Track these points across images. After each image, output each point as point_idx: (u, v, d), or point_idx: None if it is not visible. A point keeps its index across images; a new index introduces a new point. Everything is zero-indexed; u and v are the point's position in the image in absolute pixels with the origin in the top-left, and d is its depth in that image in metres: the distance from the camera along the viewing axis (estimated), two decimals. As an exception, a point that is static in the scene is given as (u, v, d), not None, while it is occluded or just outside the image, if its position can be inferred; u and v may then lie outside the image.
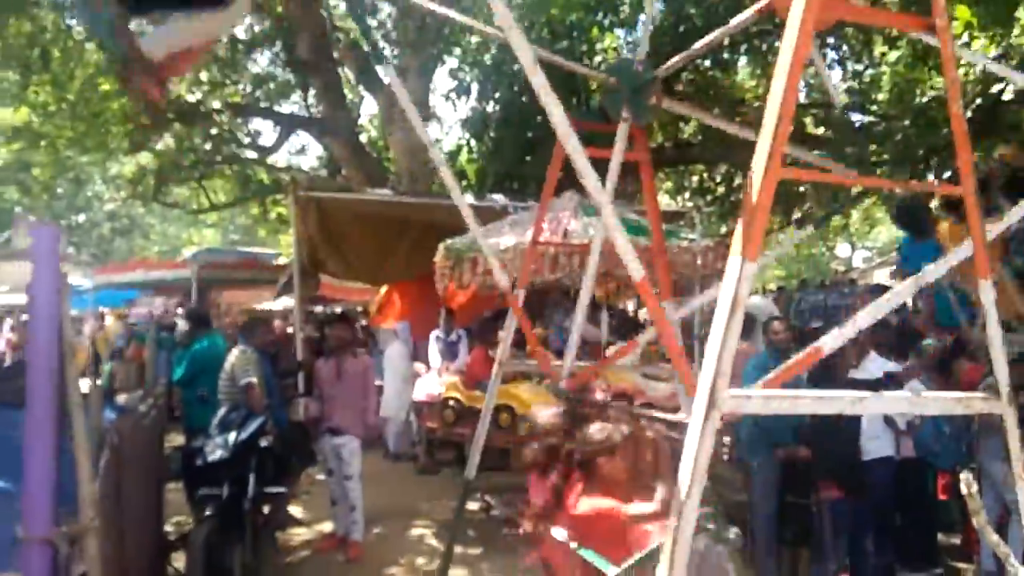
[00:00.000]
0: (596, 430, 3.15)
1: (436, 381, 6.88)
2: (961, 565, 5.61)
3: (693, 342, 6.30)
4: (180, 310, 11.91)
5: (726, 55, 12.42)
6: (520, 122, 12.94)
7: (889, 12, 2.82)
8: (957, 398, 2.70)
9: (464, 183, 18.75)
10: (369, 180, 11.86)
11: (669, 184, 18.23)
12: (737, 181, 14.10)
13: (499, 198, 9.64)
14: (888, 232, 25.15)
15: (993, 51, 8.10)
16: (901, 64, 14.06)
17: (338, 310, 13.74)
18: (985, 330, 2.64)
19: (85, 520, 2.58)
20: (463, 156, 19.87)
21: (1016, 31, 8.88)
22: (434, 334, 7.88)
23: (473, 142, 19.07)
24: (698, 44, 3.50)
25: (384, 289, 10.84)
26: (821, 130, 13.47)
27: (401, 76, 12.71)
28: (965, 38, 8.43)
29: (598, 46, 13.68)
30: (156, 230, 35.78)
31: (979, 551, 5.28)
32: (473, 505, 6.05)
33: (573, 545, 3.02)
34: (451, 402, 6.18)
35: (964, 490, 3.22)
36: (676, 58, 3.76)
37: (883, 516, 5.13)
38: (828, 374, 4.38)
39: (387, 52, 17.81)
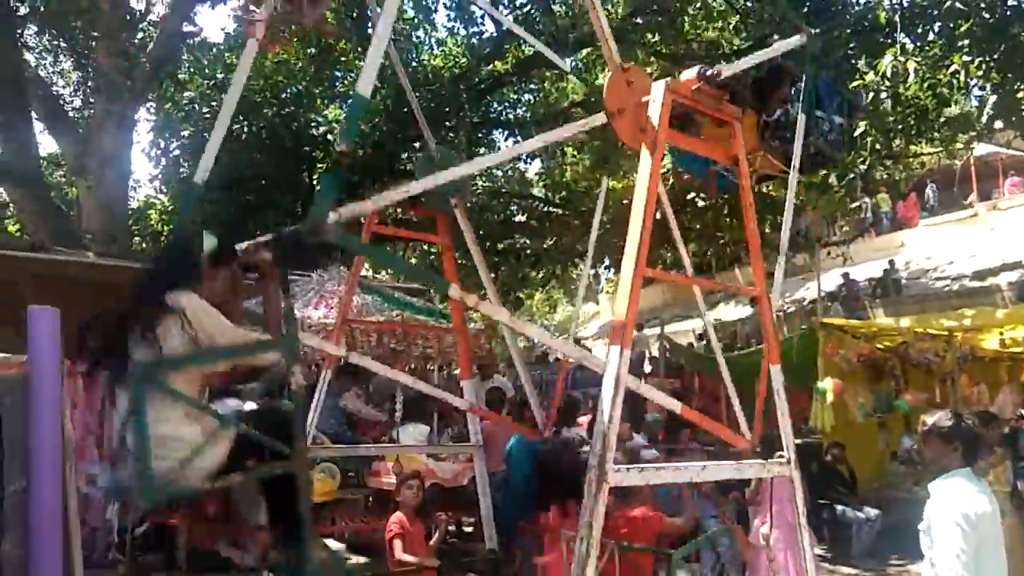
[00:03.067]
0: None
1: None
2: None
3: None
4: None
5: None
6: (238, 186, 12.33)
7: (708, 143, 3.49)
8: (761, 464, 3.29)
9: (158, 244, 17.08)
10: (56, 238, 10.24)
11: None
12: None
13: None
14: (563, 312, 28.41)
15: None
16: (580, 165, 16.55)
17: None
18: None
19: None
20: (153, 215, 18.18)
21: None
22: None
23: (166, 200, 17.56)
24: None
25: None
26: (524, 217, 15.03)
27: (98, 125, 11.37)
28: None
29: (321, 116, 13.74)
30: None
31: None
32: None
33: None
34: None
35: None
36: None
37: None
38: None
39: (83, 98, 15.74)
